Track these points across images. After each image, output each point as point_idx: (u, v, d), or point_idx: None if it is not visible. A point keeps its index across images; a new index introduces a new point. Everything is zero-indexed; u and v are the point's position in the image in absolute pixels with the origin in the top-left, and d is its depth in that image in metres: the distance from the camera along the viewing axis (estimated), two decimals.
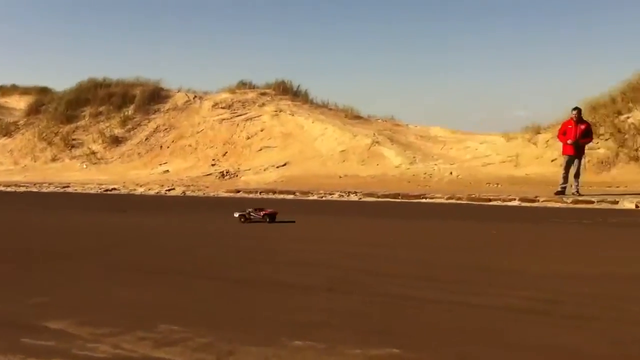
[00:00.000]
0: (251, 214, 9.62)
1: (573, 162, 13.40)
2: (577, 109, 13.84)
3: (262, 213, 9.61)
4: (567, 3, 48.82)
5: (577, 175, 13.32)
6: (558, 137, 14.14)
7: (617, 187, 14.35)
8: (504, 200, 12.70)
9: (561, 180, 13.34)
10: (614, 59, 46.34)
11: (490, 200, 12.83)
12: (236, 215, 9.64)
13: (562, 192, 13.11)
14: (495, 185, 15.25)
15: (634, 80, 18.30)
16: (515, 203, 12.47)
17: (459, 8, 50.25)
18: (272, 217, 9.58)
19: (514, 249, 7.33)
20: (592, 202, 12.13)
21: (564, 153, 13.71)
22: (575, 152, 13.46)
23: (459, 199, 13.10)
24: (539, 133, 18.39)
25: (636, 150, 16.62)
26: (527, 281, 5.37)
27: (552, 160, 16.82)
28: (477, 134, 20.83)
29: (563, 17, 48.58)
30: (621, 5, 46.13)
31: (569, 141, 13.44)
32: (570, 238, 8.23)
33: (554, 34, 49.00)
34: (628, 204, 11.72)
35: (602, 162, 16.49)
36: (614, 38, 48.31)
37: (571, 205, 12.05)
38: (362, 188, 14.95)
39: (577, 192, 13.04)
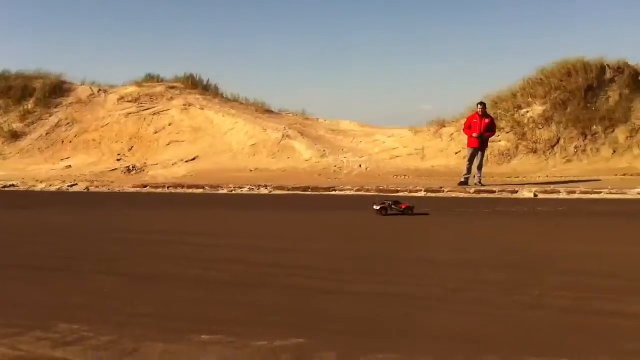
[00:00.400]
0: (392, 206, 9.53)
1: (477, 154, 13.89)
2: (482, 103, 14.36)
3: (402, 206, 9.54)
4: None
5: (480, 167, 13.84)
6: (464, 130, 14.59)
7: (517, 177, 15.01)
8: (411, 192, 13.00)
9: (465, 172, 13.81)
10: (515, 56, 48.44)
11: (397, 191, 13.09)
12: (376, 207, 9.51)
13: (465, 183, 13.57)
14: (403, 177, 15.60)
15: (534, 76, 19.17)
16: (422, 194, 12.78)
17: (368, 3, 51.00)
18: (411, 210, 9.54)
19: (421, 238, 7.50)
20: (494, 192, 12.63)
21: (469, 145, 14.17)
22: (480, 144, 13.96)
23: (368, 190, 13.31)
24: (444, 127, 18.96)
25: (535, 142, 17.44)
26: (433, 270, 5.50)
27: (456, 153, 17.42)
28: (385, 128, 21.24)
29: (471, 14, 50.22)
30: (527, 4, 48.17)
31: (474, 134, 13.91)
32: (474, 227, 8.50)
33: (460, 29, 50.59)
34: (527, 194, 12.26)
35: (503, 154, 17.20)
36: (516, 35, 50.41)
37: (474, 195, 12.48)
38: (272, 181, 14.92)
39: (480, 182, 13.55)
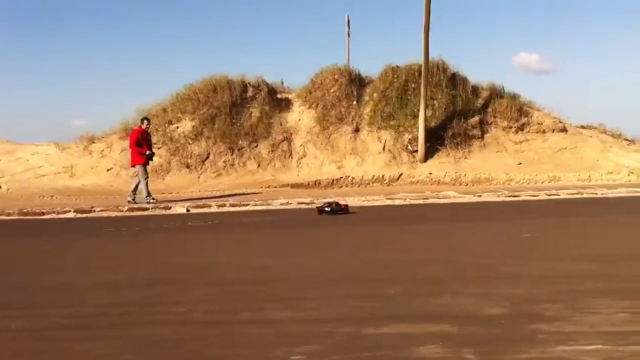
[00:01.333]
0: (334, 207, 11.15)
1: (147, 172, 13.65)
2: (147, 119, 14.14)
3: (342, 206, 11.31)
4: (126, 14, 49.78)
5: (137, 185, 13.49)
6: (132, 146, 13.73)
7: (170, 193, 15.11)
8: (59, 213, 12.17)
9: (145, 192, 13.38)
10: (169, 71, 49.15)
11: (44, 213, 12.13)
12: (327, 209, 11.12)
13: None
14: (50, 198, 14.53)
15: (182, 92, 19.57)
16: (71, 215, 12.06)
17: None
18: (347, 209, 11.34)
19: (60, 263, 6.97)
20: (147, 210, 12.48)
21: (136, 163, 13.68)
22: (146, 161, 13.71)
23: (10, 214, 12.07)
24: (94, 142, 18.21)
25: (187, 157, 17.80)
26: (71, 297, 5.13)
27: (108, 170, 16.86)
28: (28, 144, 19.56)
29: (123, 29, 49.43)
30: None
31: (147, 152, 13.60)
32: (123, 247, 8.24)
33: (110, 44, 49.45)
34: (180, 209, 12.41)
35: (156, 170, 17.15)
36: (168, 53, 51.20)
37: (127, 214, 12.17)
38: None
39: (134, 200, 13.21)
